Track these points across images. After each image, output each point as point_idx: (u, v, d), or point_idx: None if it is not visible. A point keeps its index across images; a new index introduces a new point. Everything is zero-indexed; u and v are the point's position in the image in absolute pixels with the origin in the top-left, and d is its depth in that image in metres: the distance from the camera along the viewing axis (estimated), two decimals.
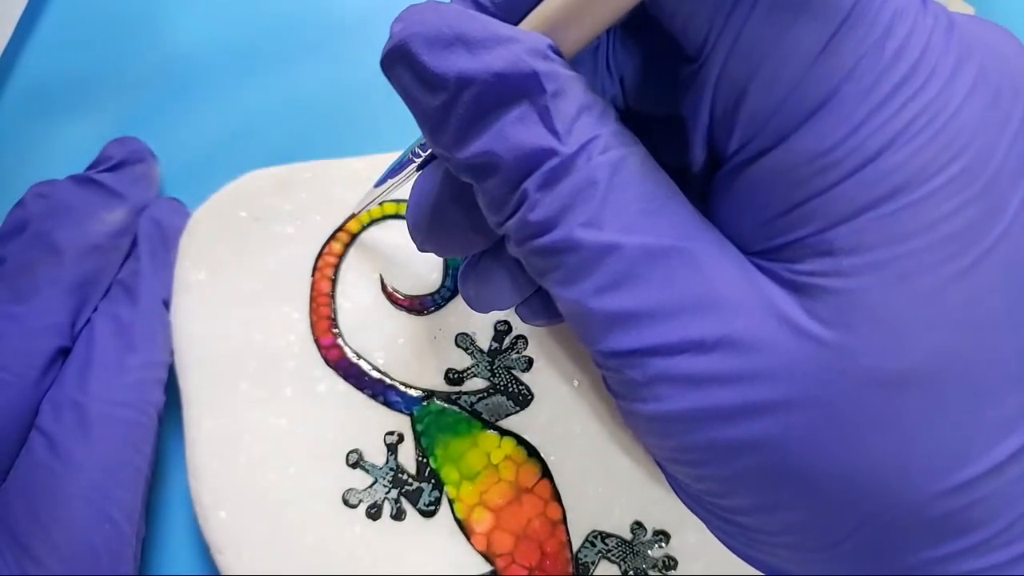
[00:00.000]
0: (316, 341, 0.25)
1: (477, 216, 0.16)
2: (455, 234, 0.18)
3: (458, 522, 0.23)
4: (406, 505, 0.23)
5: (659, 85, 0.17)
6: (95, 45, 0.30)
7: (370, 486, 0.24)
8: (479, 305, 0.19)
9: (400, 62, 0.14)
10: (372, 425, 0.24)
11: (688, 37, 0.14)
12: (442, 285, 0.25)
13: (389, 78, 0.15)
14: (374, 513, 0.23)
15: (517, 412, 0.24)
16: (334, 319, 0.25)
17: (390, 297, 0.25)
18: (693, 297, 0.13)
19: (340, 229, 0.26)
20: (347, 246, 0.26)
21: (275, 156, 0.27)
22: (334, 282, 0.26)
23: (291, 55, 0.30)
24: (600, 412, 0.24)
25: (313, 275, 0.26)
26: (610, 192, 0.14)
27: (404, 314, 0.25)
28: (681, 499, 0.17)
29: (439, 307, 0.25)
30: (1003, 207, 0.12)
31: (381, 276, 0.26)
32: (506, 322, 0.25)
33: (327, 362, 0.25)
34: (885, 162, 0.12)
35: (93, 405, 0.21)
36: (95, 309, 0.24)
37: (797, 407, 0.13)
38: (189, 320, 0.25)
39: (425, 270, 0.26)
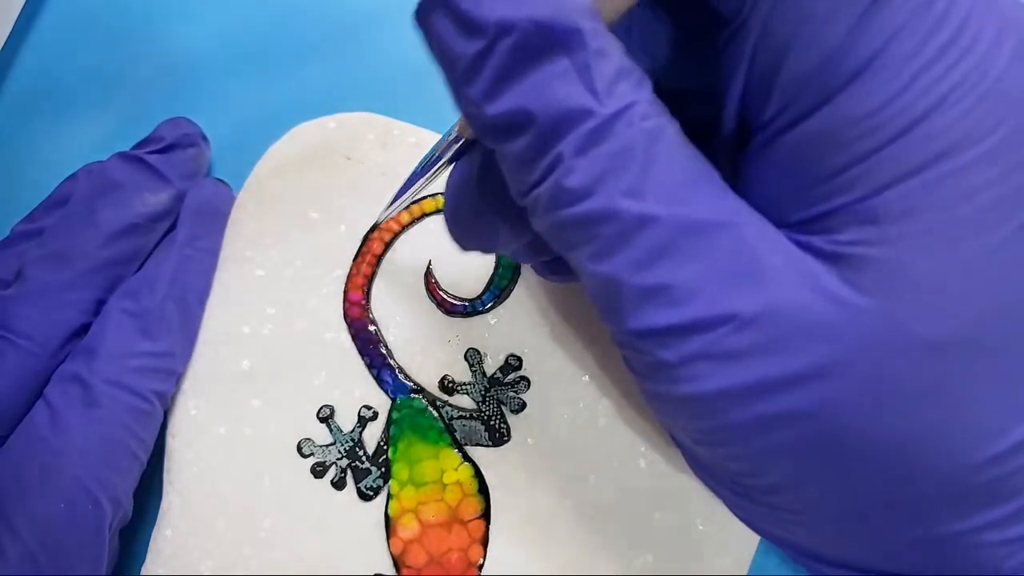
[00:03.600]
0: (345, 292, 0.25)
1: (512, 205, 0.15)
2: (495, 225, 0.17)
3: (387, 518, 0.23)
4: (349, 479, 0.24)
5: (689, 59, 0.17)
6: (96, 44, 0.30)
7: (327, 445, 0.24)
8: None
9: (438, 7, 0.14)
10: (355, 392, 0.25)
11: None
12: (478, 297, 0.25)
13: (423, 28, 0.14)
14: (319, 471, 0.24)
15: (488, 446, 0.24)
16: (370, 280, 0.26)
17: (429, 286, 0.25)
18: (729, 271, 0.13)
19: (415, 202, 0.26)
20: (415, 220, 0.26)
21: None
22: (387, 247, 0.26)
23: (294, 55, 0.29)
24: (558, 493, 0.23)
25: (371, 232, 0.26)
26: (649, 161, 0.13)
27: (433, 306, 0.25)
28: (703, 480, 0.17)
29: (467, 315, 0.25)
30: None
31: (430, 262, 0.26)
32: (519, 358, 0.25)
33: (345, 315, 0.25)
34: (932, 125, 0.12)
35: (97, 384, 0.21)
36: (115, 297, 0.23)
37: (838, 375, 0.13)
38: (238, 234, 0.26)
39: (472, 276, 0.26)
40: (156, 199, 0.24)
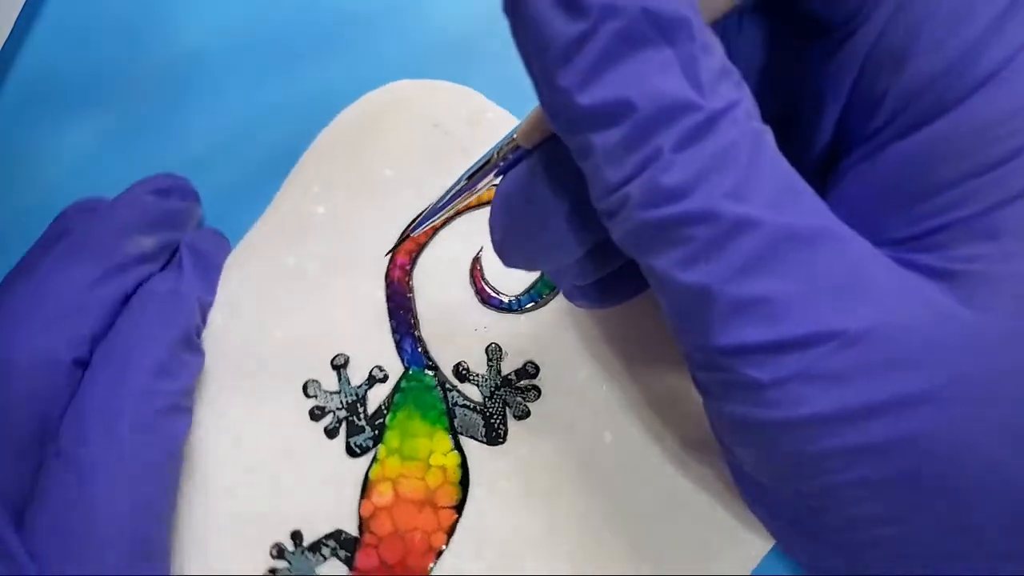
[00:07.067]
0: (394, 253, 0.26)
1: (578, 213, 0.15)
2: (552, 239, 0.16)
3: (366, 479, 0.24)
4: (343, 431, 0.24)
5: (777, 76, 0.16)
6: (96, 44, 0.30)
7: (332, 392, 0.25)
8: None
9: None
10: (372, 350, 0.25)
11: (839, 4, 0.13)
12: (517, 296, 0.25)
13: (513, 4, 0.13)
14: (317, 415, 0.24)
15: (482, 442, 0.24)
16: (421, 248, 0.26)
17: (474, 272, 0.26)
18: (835, 285, 0.12)
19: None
20: (481, 204, 0.26)
21: (279, 156, 0.27)
22: (447, 222, 0.26)
23: (296, 54, 0.29)
24: (539, 509, 0.23)
25: (399, 243, 0.26)
26: (754, 162, 0.12)
27: (471, 292, 0.25)
28: (759, 517, 0.16)
29: (500, 311, 0.25)
30: None
31: (482, 248, 0.26)
32: (537, 367, 0.24)
33: (387, 275, 0.26)
34: None
35: (124, 432, 0.20)
36: (120, 327, 0.22)
37: (954, 400, 0.12)
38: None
39: (518, 276, 0.25)
40: (147, 241, 0.24)
